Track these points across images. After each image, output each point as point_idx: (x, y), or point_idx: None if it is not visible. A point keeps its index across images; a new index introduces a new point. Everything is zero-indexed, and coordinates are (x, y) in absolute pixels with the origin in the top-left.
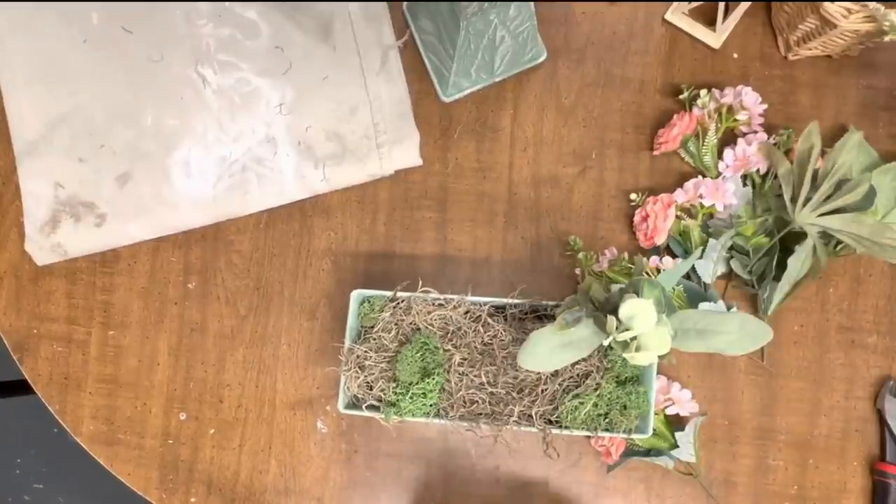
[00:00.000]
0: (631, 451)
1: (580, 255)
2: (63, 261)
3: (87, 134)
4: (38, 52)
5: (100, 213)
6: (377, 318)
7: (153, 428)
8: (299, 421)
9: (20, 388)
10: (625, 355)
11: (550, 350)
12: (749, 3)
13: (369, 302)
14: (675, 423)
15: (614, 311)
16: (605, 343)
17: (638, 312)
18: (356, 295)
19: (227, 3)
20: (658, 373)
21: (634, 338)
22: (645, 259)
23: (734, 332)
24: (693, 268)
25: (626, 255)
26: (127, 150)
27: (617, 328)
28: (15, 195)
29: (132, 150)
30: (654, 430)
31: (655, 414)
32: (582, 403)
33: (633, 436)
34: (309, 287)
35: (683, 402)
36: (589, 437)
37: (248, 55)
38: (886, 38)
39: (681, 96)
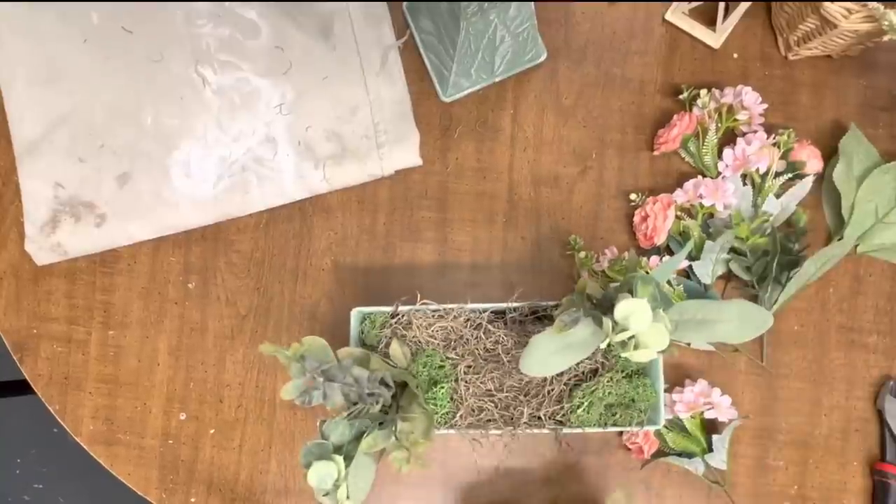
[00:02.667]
0: (663, 452)
1: (580, 255)
2: (63, 261)
3: (87, 134)
4: (39, 51)
5: (100, 213)
6: (379, 335)
7: (153, 428)
8: (299, 421)
9: (20, 388)
10: (624, 354)
11: (551, 353)
12: (749, 3)
13: (370, 319)
14: (711, 429)
15: (612, 309)
16: (603, 346)
17: (633, 312)
18: (356, 313)
19: (227, 3)
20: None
21: (632, 337)
22: (645, 259)
23: (734, 321)
24: (692, 270)
25: (626, 254)
26: (127, 150)
27: (614, 329)
28: (15, 195)
29: (132, 150)
30: (689, 432)
31: (692, 417)
32: (590, 403)
33: (646, 427)
34: (309, 287)
35: (723, 407)
36: (619, 432)
37: (248, 55)
38: (886, 38)
39: (681, 96)
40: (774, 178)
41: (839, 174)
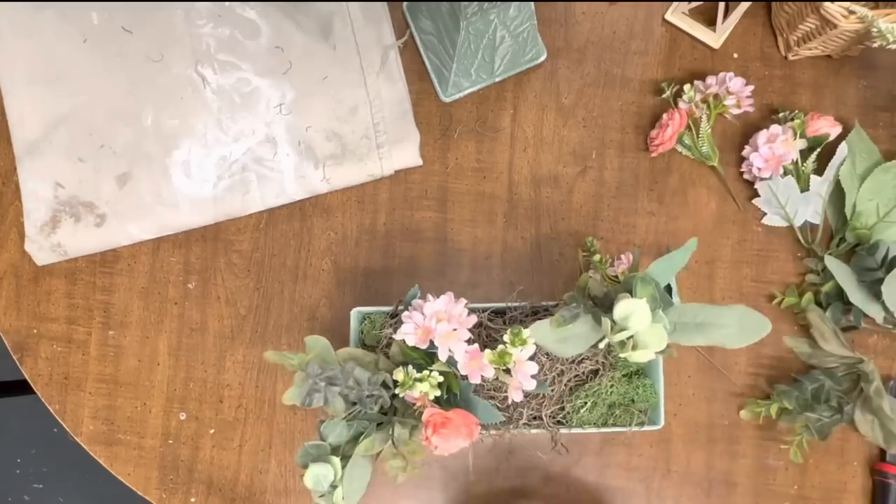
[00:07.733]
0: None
1: (596, 258)
2: (63, 261)
3: (87, 134)
4: (39, 52)
5: (100, 213)
6: (379, 335)
7: (153, 428)
8: (299, 421)
9: (20, 388)
10: (622, 354)
11: (550, 342)
12: (749, 3)
13: (370, 319)
14: None
15: (612, 308)
16: (601, 346)
17: (632, 312)
18: (356, 314)
19: (227, 3)
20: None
21: (631, 337)
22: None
23: (733, 326)
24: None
25: (627, 255)
26: (127, 150)
27: (612, 328)
28: (15, 195)
29: (132, 150)
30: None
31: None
32: (594, 402)
33: (646, 427)
34: (309, 287)
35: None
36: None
37: (248, 55)
38: (875, 45)
39: (663, 95)
40: (804, 161)
41: (845, 172)
